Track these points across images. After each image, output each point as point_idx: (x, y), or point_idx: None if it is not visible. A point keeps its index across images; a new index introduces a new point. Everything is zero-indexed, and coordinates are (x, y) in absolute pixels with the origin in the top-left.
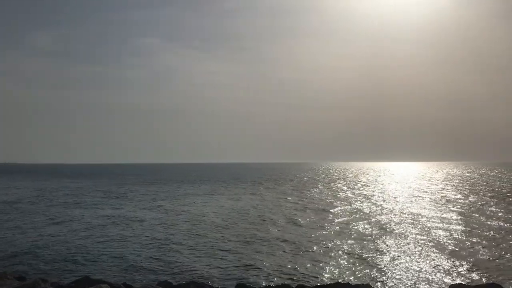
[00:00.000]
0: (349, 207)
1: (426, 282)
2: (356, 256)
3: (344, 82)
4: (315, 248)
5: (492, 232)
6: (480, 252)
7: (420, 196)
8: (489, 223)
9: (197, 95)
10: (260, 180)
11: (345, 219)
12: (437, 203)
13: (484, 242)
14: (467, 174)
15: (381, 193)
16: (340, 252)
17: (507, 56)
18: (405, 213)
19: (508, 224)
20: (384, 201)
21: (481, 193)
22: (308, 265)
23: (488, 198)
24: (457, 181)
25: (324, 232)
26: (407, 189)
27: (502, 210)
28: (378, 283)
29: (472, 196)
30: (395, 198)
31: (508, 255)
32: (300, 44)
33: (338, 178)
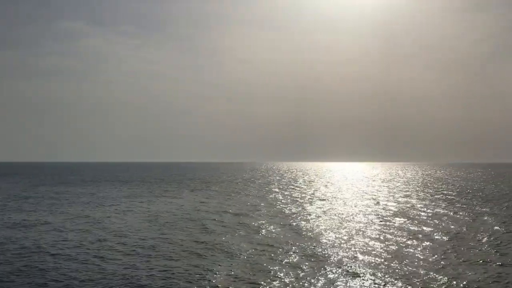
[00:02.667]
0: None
1: None
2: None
3: (295, 76)
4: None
5: (414, 236)
6: (403, 257)
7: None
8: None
9: (128, 87)
10: (177, 182)
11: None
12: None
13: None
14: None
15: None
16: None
17: (456, 53)
18: (312, 216)
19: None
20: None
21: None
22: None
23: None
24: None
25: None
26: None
27: (427, 213)
28: None
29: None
30: (299, 200)
31: (435, 260)
32: (245, 34)
33: (255, 178)
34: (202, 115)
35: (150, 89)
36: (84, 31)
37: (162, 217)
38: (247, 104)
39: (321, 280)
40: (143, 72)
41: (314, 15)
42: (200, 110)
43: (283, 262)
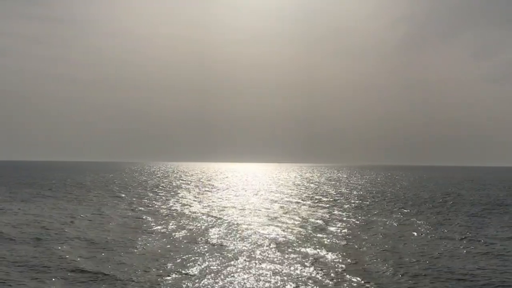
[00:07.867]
0: None
1: None
2: None
3: (181, 59)
4: None
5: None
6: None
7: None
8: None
9: None
10: None
11: None
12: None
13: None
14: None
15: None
16: None
17: (367, 38)
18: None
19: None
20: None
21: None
22: None
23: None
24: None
25: None
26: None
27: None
28: None
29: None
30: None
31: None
32: (123, 4)
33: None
34: (63, 101)
35: None
36: None
37: None
38: (121, 89)
39: None
40: None
41: None
42: (59, 95)
43: None
